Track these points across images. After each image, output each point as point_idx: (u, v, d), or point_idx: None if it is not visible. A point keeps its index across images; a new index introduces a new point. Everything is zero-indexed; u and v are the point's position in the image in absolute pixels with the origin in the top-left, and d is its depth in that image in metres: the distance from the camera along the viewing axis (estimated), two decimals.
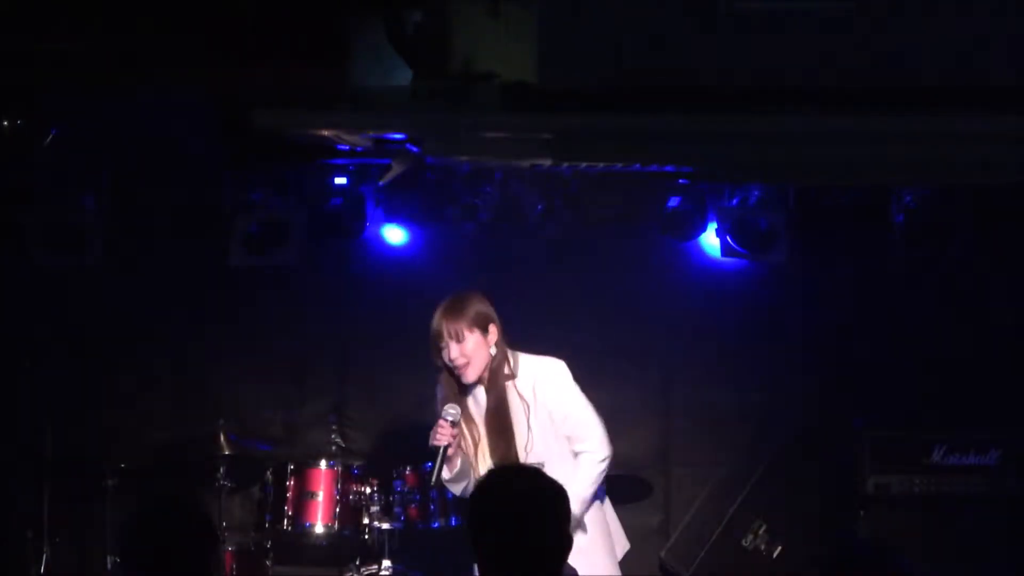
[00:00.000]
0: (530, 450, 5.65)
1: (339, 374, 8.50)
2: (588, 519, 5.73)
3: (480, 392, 5.73)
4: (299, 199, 8.15)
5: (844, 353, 8.31)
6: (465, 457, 5.71)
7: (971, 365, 8.14)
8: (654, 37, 5.41)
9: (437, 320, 5.62)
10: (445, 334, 5.57)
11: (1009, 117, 5.42)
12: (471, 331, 5.58)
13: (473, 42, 5.61)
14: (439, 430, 5.54)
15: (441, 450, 5.54)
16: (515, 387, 5.67)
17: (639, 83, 5.42)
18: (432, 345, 5.64)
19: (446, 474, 5.63)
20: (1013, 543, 7.64)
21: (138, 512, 3.79)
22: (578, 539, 5.22)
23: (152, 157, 8.08)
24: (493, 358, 5.63)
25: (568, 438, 5.72)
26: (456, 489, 5.79)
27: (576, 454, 5.72)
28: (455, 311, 5.61)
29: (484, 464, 5.71)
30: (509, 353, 5.72)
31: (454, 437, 5.56)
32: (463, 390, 5.71)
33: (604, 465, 5.72)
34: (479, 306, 5.65)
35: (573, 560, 5.38)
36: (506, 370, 5.67)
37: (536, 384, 5.68)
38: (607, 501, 5.97)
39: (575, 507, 5.42)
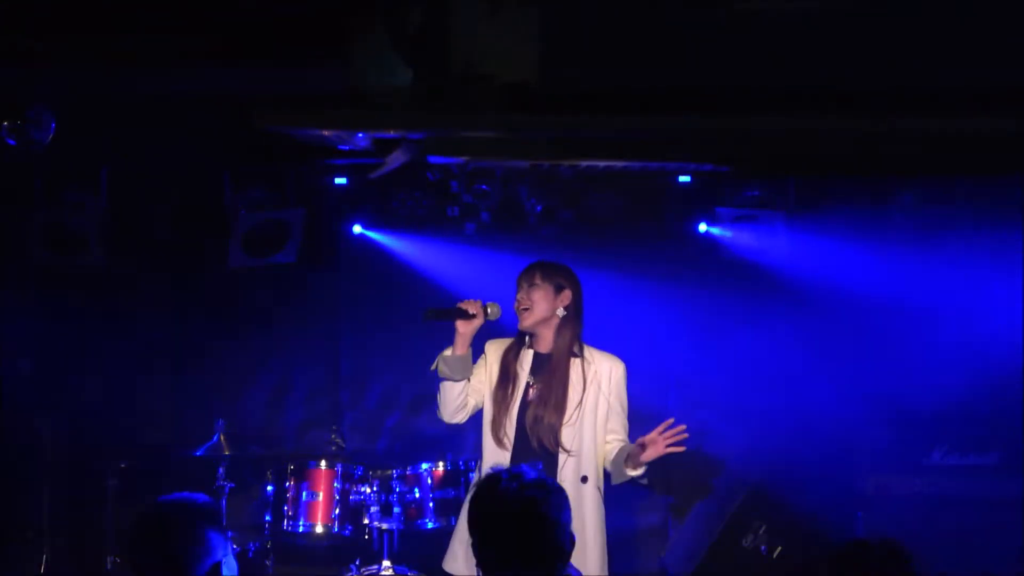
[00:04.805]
0: (573, 423, 5.74)
1: (338, 374, 8.50)
2: (592, 519, 5.73)
3: (532, 357, 5.84)
4: (299, 199, 8.16)
5: (844, 351, 8.31)
6: (495, 406, 5.77)
7: (970, 364, 8.15)
8: (653, 37, 5.41)
9: (525, 268, 5.90)
10: (524, 278, 5.84)
11: (1009, 117, 5.43)
12: (544, 283, 5.83)
13: (473, 42, 5.61)
14: (472, 301, 5.78)
15: (456, 308, 5.76)
16: (581, 365, 5.82)
17: (639, 83, 5.43)
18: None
19: (448, 351, 5.75)
20: (1013, 543, 7.64)
21: (138, 512, 3.79)
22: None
23: (152, 157, 8.08)
24: (560, 322, 5.82)
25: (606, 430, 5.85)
26: (445, 387, 5.80)
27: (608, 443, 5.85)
28: (540, 263, 5.92)
29: (510, 423, 5.76)
30: (579, 338, 5.87)
31: (475, 315, 5.74)
32: (517, 354, 5.84)
33: None
34: (565, 274, 5.90)
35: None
36: (574, 346, 5.85)
37: (601, 373, 5.83)
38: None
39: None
